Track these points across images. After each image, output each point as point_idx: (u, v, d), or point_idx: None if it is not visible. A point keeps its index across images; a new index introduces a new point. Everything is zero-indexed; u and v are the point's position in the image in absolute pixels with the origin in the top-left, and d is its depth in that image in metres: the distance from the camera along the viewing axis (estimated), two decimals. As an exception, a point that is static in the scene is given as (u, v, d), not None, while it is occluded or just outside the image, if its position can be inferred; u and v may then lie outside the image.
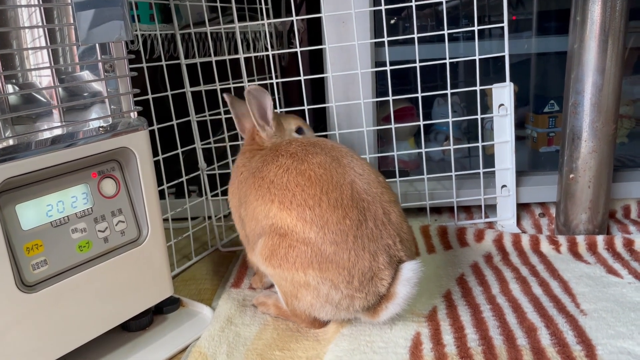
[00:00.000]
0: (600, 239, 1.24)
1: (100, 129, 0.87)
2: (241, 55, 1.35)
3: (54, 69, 0.83)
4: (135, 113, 0.94)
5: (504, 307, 1.00)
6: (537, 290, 1.05)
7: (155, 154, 1.18)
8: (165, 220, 1.22)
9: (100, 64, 0.88)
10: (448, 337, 0.91)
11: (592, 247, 1.22)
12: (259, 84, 1.10)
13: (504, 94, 1.32)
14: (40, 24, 0.82)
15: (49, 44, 0.82)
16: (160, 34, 1.32)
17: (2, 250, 0.76)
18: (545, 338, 0.89)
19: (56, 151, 0.82)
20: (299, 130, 1.16)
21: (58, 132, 0.84)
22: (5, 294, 0.76)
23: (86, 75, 0.95)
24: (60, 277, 0.84)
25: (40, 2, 0.82)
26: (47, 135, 0.83)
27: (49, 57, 0.82)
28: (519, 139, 1.80)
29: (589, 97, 1.20)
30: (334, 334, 0.95)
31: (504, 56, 1.29)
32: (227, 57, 1.39)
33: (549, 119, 1.74)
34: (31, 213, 0.81)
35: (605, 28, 1.17)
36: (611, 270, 1.12)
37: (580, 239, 1.25)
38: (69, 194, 0.86)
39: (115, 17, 0.87)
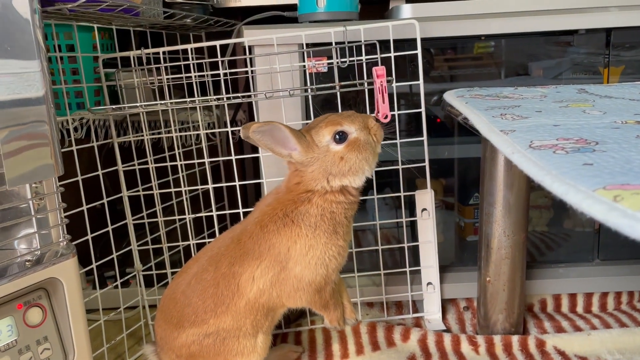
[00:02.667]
0: (515, 340, 1.32)
1: (27, 263, 0.90)
2: (178, 152, 1.41)
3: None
4: (65, 242, 0.97)
5: (420, 421, 1.05)
6: (453, 400, 1.12)
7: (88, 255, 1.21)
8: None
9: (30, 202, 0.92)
10: None
11: (507, 348, 1.31)
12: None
13: (426, 199, 1.42)
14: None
15: (-22, 187, 0.86)
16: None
17: None
18: None
19: (-20, 291, 0.84)
20: (340, 137, 0.97)
21: (-16, 269, 0.86)
22: None
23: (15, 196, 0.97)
24: (-21, 416, 0.84)
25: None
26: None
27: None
28: (450, 208, 1.90)
29: (500, 209, 1.30)
30: None
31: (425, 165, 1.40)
32: (167, 157, 1.44)
33: (474, 210, 1.85)
34: (-49, 354, 0.83)
35: (513, 145, 1.28)
36: (522, 375, 1.20)
37: (497, 340, 1.33)
38: (-7, 329, 0.88)
39: (43, 156, 0.90)
